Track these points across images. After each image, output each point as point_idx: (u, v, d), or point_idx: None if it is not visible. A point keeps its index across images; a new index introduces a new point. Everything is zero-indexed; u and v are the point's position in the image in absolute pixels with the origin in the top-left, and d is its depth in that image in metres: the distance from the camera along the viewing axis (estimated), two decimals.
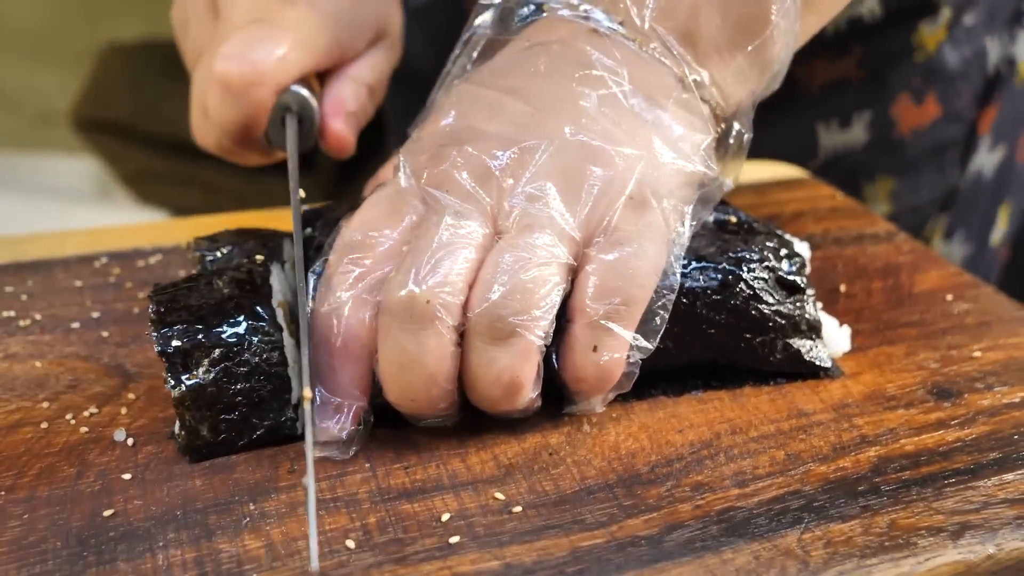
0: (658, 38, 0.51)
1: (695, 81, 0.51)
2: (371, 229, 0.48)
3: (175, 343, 0.47)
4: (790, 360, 0.54)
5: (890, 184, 0.86)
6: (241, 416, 0.48)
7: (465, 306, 0.46)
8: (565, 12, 0.53)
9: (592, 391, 0.49)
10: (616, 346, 0.48)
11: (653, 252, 0.48)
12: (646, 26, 0.51)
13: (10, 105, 2.32)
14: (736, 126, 0.55)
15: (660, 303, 0.49)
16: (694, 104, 0.52)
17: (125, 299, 0.62)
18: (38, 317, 0.60)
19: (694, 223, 0.52)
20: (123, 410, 0.51)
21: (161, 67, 2.07)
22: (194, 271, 0.54)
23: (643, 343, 0.49)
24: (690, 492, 0.46)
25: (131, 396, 0.53)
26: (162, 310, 0.48)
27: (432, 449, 0.49)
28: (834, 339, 0.56)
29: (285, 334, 0.49)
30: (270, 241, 0.56)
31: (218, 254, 0.55)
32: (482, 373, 0.46)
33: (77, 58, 2.16)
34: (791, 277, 0.54)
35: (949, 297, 0.63)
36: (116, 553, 0.42)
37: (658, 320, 0.49)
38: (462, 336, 0.46)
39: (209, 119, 0.62)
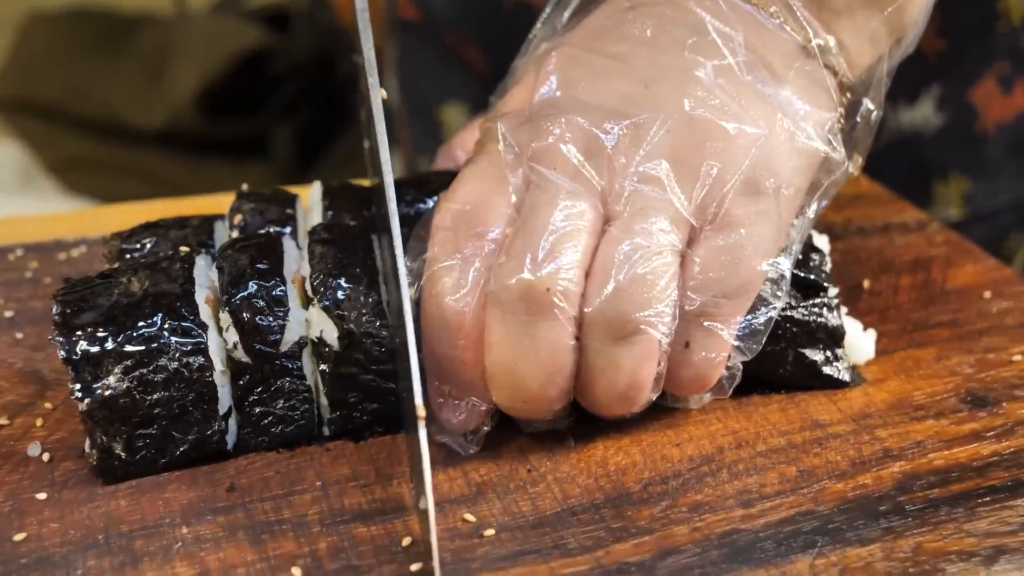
0: (781, 0, 0.51)
1: (819, 46, 0.52)
2: (480, 204, 0.48)
3: (82, 348, 0.47)
4: (803, 373, 0.55)
5: (965, 185, 0.86)
6: (161, 430, 0.48)
7: (581, 299, 0.46)
8: None
9: (682, 392, 0.50)
10: (711, 345, 0.48)
11: (763, 243, 0.49)
12: None
13: None
14: (865, 102, 0.55)
15: (767, 302, 0.50)
16: (819, 76, 0.52)
17: (43, 296, 0.62)
18: None
19: (813, 214, 0.52)
20: (38, 421, 0.51)
21: (92, 40, 2.07)
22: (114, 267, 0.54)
23: (741, 346, 0.50)
24: (688, 513, 0.47)
25: (48, 406, 0.53)
26: (68, 311, 0.48)
27: (392, 465, 0.49)
28: (857, 345, 0.57)
29: (211, 332, 0.49)
30: (200, 228, 0.56)
31: (139, 247, 0.55)
32: (599, 376, 0.47)
33: None
34: (808, 276, 0.54)
35: (987, 294, 0.63)
36: None
37: (763, 321, 0.50)
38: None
39: None
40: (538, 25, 0.57)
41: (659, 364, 0.48)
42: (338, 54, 1.98)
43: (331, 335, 0.49)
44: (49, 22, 2.11)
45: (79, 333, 0.47)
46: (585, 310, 0.46)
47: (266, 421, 0.50)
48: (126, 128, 1.98)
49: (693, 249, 0.48)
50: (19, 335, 0.58)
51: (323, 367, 0.49)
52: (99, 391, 0.46)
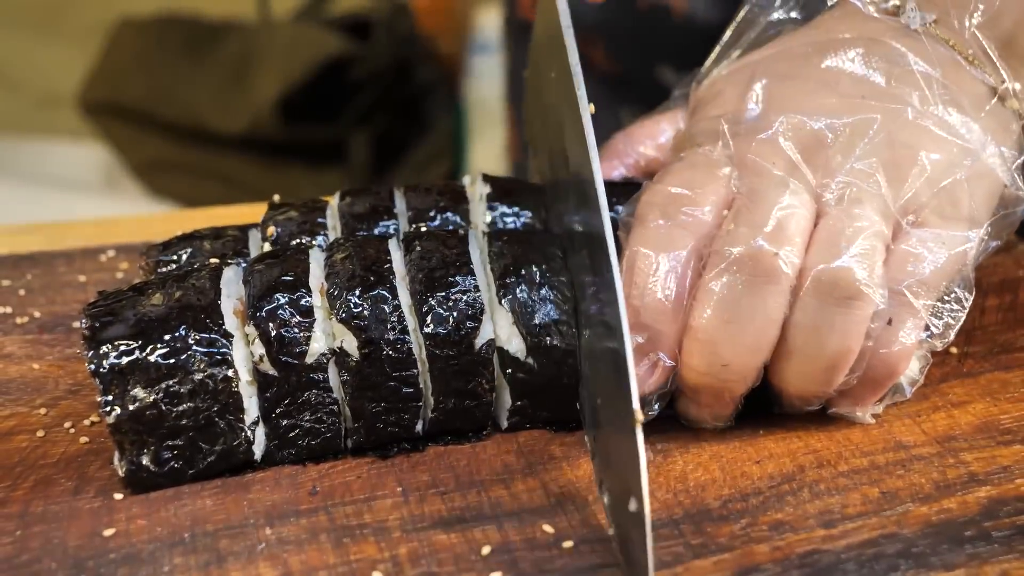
0: (977, 44, 0.54)
1: (1008, 90, 0.54)
2: (692, 188, 0.51)
3: (109, 362, 0.47)
4: None
5: None
6: (188, 441, 0.48)
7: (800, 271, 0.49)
8: (869, 8, 0.56)
9: (871, 385, 0.51)
10: (912, 323, 0.50)
11: (954, 249, 0.51)
12: (967, 31, 0.55)
13: (11, 86, 2.38)
14: None
15: (953, 306, 0.52)
16: (1007, 118, 0.55)
17: None
18: (37, 314, 0.61)
19: (992, 243, 0.54)
20: None
21: (178, 46, 2.11)
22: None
23: (935, 342, 0.52)
24: (768, 531, 0.46)
25: None
26: (96, 326, 0.48)
27: (473, 474, 0.49)
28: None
29: (238, 343, 0.49)
30: (236, 239, 0.56)
31: (175, 258, 0.55)
32: (811, 339, 0.49)
33: (86, 34, 2.21)
34: None
35: None
36: None
37: (951, 321, 0.52)
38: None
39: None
40: (712, 57, 0.60)
41: (865, 339, 0.49)
42: (416, 62, 1.99)
43: (351, 345, 0.49)
44: (138, 29, 2.15)
45: (107, 347, 0.47)
46: (811, 270, 0.48)
47: (293, 433, 0.50)
48: (209, 132, 2.02)
49: (895, 242, 0.50)
50: None
51: (344, 376, 0.49)
52: (127, 404, 0.47)
